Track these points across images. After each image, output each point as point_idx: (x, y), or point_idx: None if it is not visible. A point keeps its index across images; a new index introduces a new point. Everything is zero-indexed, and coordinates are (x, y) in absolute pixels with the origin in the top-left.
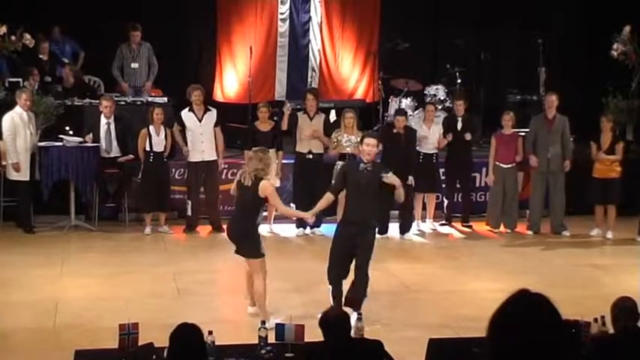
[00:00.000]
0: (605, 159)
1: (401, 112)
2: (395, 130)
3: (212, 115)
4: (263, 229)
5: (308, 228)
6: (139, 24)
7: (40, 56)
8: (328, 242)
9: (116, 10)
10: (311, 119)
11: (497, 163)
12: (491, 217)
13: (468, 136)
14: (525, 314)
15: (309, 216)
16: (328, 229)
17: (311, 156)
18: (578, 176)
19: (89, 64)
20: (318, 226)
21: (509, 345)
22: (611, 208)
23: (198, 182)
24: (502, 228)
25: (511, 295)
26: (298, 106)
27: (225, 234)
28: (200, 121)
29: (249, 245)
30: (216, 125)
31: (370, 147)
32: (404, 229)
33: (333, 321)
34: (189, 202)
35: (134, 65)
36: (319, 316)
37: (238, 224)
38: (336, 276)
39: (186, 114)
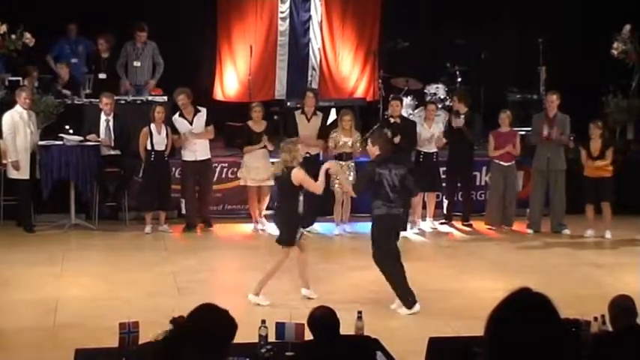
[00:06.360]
0: (597, 164)
1: (396, 97)
2: (391, 120)
3: (202, 115)
4: (250, 227)
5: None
6: (143, 23)
7: (102, 55)
8: (324, 241)
9: (117, 10)
10: (308, 120)
11: (496, 161)
12: (490, 215)
13: (459, 122)
14: (524, 313)
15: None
16: (326, 228)
17: (308, 156)
18: (576, 176)
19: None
20: (312, 225)
21: (507, 344)
22: (606, 205)
23: (192, 181)
24: (500, 227)
25: (510, 294)
26: (298, 105)
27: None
28: (191, 124)
29: (283, 232)
30: (207, 124)
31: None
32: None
33: (319, 320)
34: (183, 201)
35: (136, 64)
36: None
37: (279, 212)
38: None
39: (176, 119)
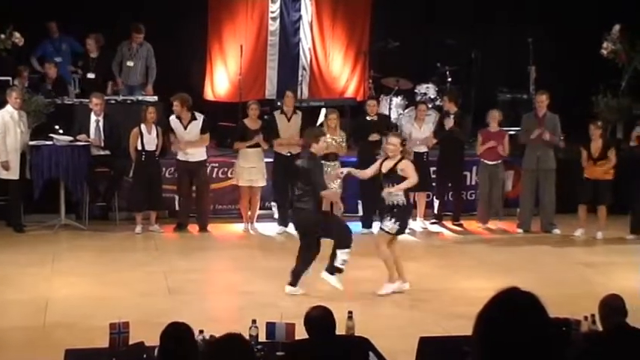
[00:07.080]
0: (598, 164)
1: (373, 96)
2: (368, 118)
3: (197, 123)
4: (241, 227)
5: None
6: (141, 25)
7: (91, 54)
8: None
9: (110, 10)
10: (289, 119)
11: (483, 160)
12: (479, 214)
13: (449, 122)
14: (512, 313)
15: None
16: None
17: (289, 154)
18: (567, 175)
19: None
20: None
21: (496, 343)
22: (602, 208)
23: (187, 180)
24: (489, 224)
25: (499, 293)
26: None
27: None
28: (185, 129)
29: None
30: (203, 132)
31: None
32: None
33: (315, 320)
34: (177, 199)
35: (129, 63)
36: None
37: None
38: None
39: (173, 120)
